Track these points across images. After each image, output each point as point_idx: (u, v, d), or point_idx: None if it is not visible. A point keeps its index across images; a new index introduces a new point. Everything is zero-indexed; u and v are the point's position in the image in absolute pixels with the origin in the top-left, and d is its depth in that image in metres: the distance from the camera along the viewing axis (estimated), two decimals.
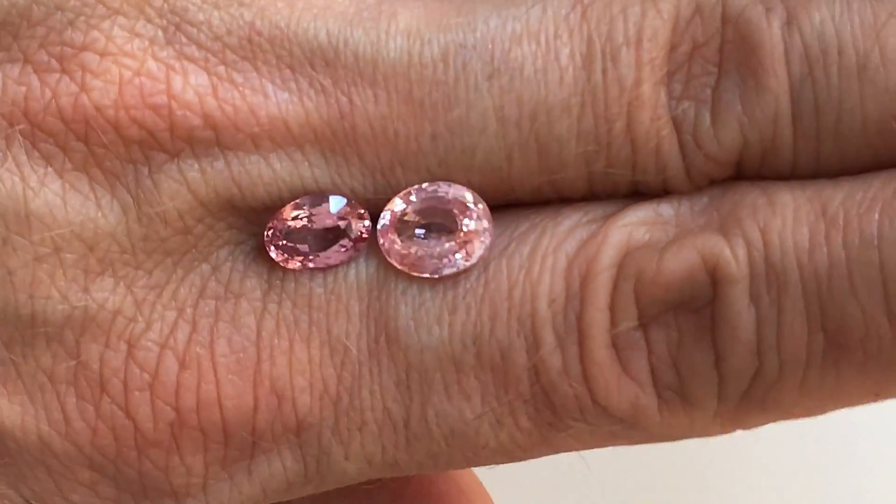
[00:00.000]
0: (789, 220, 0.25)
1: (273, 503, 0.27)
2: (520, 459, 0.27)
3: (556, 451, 0.27)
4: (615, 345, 0.26)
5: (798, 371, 0.25)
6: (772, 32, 0.25)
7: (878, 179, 0.25)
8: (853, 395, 0.26)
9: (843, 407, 0.26)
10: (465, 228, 0.26)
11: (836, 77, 0.25)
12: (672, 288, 0.25)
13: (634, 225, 0.26)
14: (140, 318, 0.26)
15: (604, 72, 0.26)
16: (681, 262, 0.25)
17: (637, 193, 0.26)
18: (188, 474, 0.26)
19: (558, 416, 0.26)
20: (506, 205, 0.27)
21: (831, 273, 0.25)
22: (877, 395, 0.26)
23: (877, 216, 0.25)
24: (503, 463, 0.27)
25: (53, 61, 0.25)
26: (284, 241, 0.26)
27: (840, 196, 0.25)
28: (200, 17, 0.26)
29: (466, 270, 0.26)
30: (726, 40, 0.26)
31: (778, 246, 0.25)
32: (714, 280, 0.25)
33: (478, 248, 0.26)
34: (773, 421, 0.26)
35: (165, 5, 0.26)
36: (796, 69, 0.25)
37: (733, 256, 0.25)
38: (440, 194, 0.26)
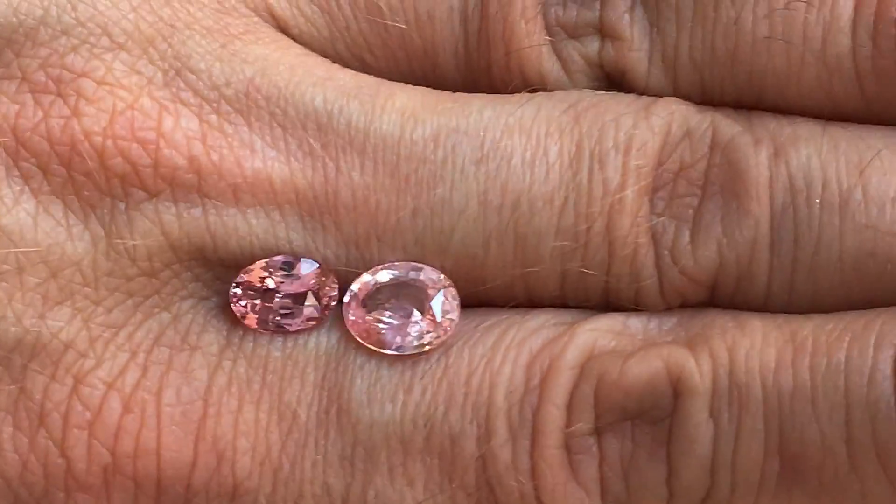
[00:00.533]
0: (758, 341, 0.25)
1: None
2: None
3: None
4: (567, 447, 0.25)
5: (749, 496, 0.25)
6: (758, 161, 0.26)
7: (849, 314, 0.25)
8: None
9: None
10: (432, 310, 0.26)
11: (818, 209, 0.25)
12: (632, 394, 0.25)
13: (601, 332, 0.26)
14: (91, 355, 0.25)
15: (590, 172, 0.26)
16: (644, 368, 0.25)
17: (607, 306, 0.26)
18: None
19: None
20: (476, 302, 0.26)
21: (794, 395, 0.24)
22: None
23: (846, 345, 0.24)
24: None
25: (50, 83, 0.25)
26: (249, 300, 0.26)
27: (810, 325, 0.25)
28: (202, 65, 0.26)
29: (428, 352, 0.26)
30: (713, 164, 0.26)
31: (743, 364, 0.25)
32: (676, 392, 0.25)
33: (443, 332, 0.26)
34: None
35: (169, 49, 0.26)
36: (779, 198, 0.25)
37: (698, 369, 0.25)
38: (412, 274, 0.26)
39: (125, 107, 0.25)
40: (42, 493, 0.25)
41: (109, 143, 0.25)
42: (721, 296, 0.26)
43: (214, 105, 0.26)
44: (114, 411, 0.25)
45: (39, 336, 0.25)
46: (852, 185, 0.25)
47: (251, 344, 0.26)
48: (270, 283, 0.26)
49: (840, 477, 0.24)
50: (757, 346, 0.25)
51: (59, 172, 0.25)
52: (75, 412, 0.25)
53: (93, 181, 0.25)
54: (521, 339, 0.26)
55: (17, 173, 0.25)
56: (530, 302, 0.26)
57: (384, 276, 0.26)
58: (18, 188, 0.25)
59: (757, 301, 0.26)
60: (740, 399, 0.25)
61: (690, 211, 0.26)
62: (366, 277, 0.26)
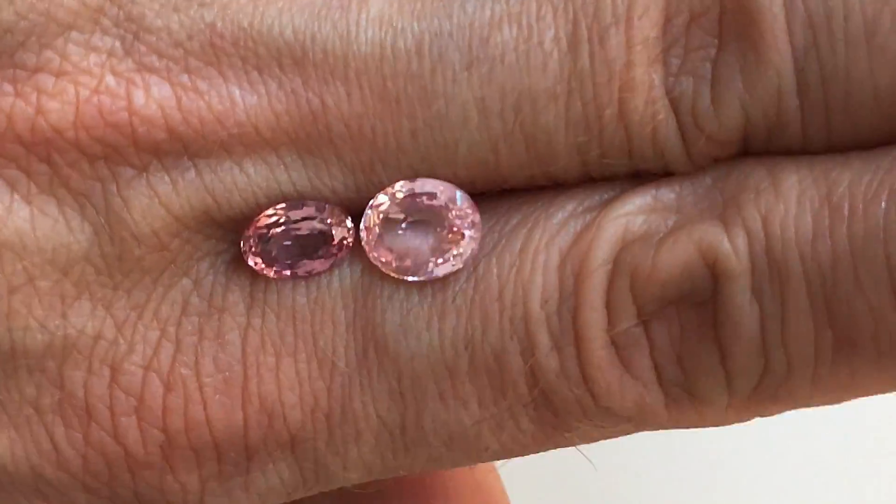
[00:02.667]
0: (792, 206, 0.23)
1: None
2: (527, 454, 0.26)
3: (564, 447, 0.26)
4: (615, 343, 0.24)
5: (808, 368, 0.24)
6: (772, 1, 0.23)
7: (886, 160, 0.23)
8: (872, 387, 0.24)
9: (865, 396, 0.24)
10: (452, 226, 0.25)
11: (843, 45, 0.23)
12: (669, 284, 0.24)
13: (631, 214, 0.24)
14: (122, 341, 0.25)
15: (591, 55, 0.24)
16: (676, 256, 0.24)
17: (637, 175, 0.25)
18: (184, 491, 0.25)
19: (561, 418, 0.25)
20: (500, 192, 0.25)
21: (835, 267, 0.23)
22: None
23: (883, 204, 0.23)
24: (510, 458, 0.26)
25: (6, 85, 0.24)
26: (262, 250, 0.25)
27: (847, 178, 0.23)
28: (159, 22, 0.24)
29: (455, 272, 0.25)
30: (725, 9, 0.24)
31: (780, 237, 0.23)
32: (714, 274, 0.24)
33: (466, 247, 0.25)
34: (792, 409, 0.25)
35: (121, 13, 0.24)
36: (799, 39, 0.23)
37: (733, 249, 0.23)
38: (425, 190, 0.25)
39: (90, 93, 0.24)
40: (109, 478, 0.25)
41: (83, 134, 0.24)
42: (754, 148, 0.24)
43: (182, 63, 0.24)
44: (156, 393, 0.25)
45: (66, 336, 0.25)
46: (877, 13, 0.23)
47: (275, 295, 0.25)
48: (280, 228, 0.25)
49: None
50: (792, 211, 0.23)
51: (42, 170, 0.24)
52: (119, 401, 0.25)
53: (78, 171, 0.24)
54: (549, 239, 0.25)
55: (1, 182, 0.24)
56: (556, 186, 0.25)
57: (397, 196, 0.25)
58: (8, 198, 0.24)
59: (795, 145, 0.24)
60: (780, 276, 0.23)
61: (708, 65, 0.24)
62: (377, 200, 0.25)
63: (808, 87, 0.23)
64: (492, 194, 0.25)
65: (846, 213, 0.23)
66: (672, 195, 0.25)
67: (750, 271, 0.23)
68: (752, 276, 0.23)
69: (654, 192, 0.25)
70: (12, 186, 0.24)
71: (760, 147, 0.24)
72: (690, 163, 0.24)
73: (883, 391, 0.24)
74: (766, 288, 0.23)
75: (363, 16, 0.24)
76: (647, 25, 0.24)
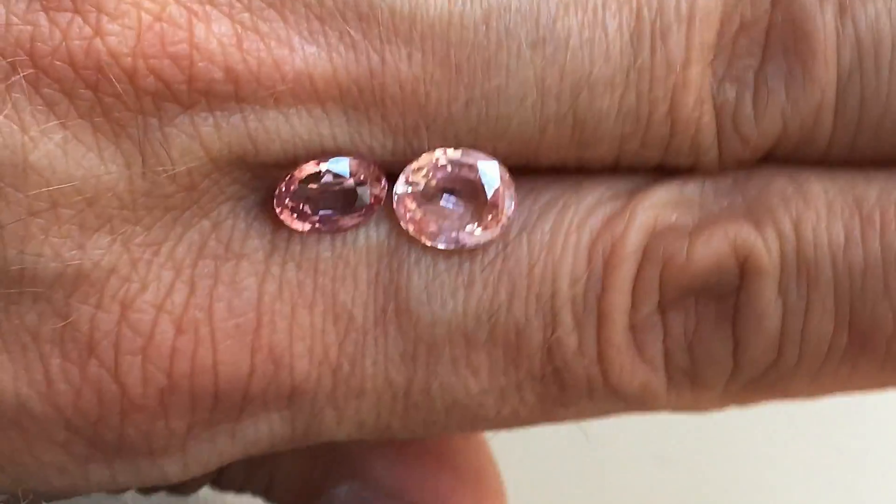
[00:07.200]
0: (823, 213, 0.25)
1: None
2: (517, 428, 0.26)
3: (554, 423, 0.26)
4: (633, 327, 0.25)
5: (815, 364, 0.25)
6: (825, 20, 0.24)
7: None
8: (861, 385, 0.26)
9: (853, 392, 0.26)
10: (488, 200, 0.24)
11: (887, 71, 0.24)
12: (699, 276, 0.25)
13: (660, 207, 0.25)
14: (136, 278, 0.24)
15: (652, 50, 0.24)
16: (711, 250, 0.25)
17: (660, 168, 0.25)
18: (170, 436, 0.25)
19: (566, 394, 0.25)
20: (526, 172, 0.25)
21: (866, 272, 0.25)
22: (884, 385, 0.26)
23: None
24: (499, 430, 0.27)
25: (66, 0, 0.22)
26: (295, 202, 0.24)
27: (874, 193, 0.25)
28: None
29: (485, 244, 0.25)
30: (774, 23, 0.24)
31: (812, 241, 0.25)
32: (743, 271, 0.25)
33: (499, 222, 0.25)
34: (780, 400, 0.26)
35: None
36: (846, 60, 0.24)
37: (766, 249, 0.25)
38: (466, 161, 0.24)
39: (152, 20, 0.23)
40: (97, 418, 0.24)
41: (140, 62, 0.23)
42: (779, 155, 0.25)
43: (245, 2, 0.23)
44: (166, 334, 0.24)
45: (80, 268, 0.23)
46: None
47: (298, 246, 0.24)
48: (316, 182, 0.24)
49: None
50: (823, 218, 0.25)
51: (85, 96, 0.23)
52: (126, 339, 0.24)
53: (122, 102, 0.23)
54: (581, 221, 0.25)
55: (40, 102, 0.23)
56: (582, 170, 0.25)
57: (436, 163, 0.24)
58: (44, 119, 0.23)
59: (814, 157, 0.25)
60: (809, 277, 0.25)
61: (751, 73, 0.25)
62: (416, 165, 0.24)
63: (845, 107, 0.25)
64: (521, 169, 0.25)
65: (878, 223, 0.25)
66: (696, 191, 0.25)
67: (780, 269, 0.25)
68: (780, 275, 0.25)
69: (680, 186, 0.25)
70: (50, 108, 0.23)
71: (784, 157, 0.25)
72: (719, 163, 0.25)
73: (872, 388, 0.26)
74: (792, 287, 0.25)
75: None
76: (706, 28, 0.24)
